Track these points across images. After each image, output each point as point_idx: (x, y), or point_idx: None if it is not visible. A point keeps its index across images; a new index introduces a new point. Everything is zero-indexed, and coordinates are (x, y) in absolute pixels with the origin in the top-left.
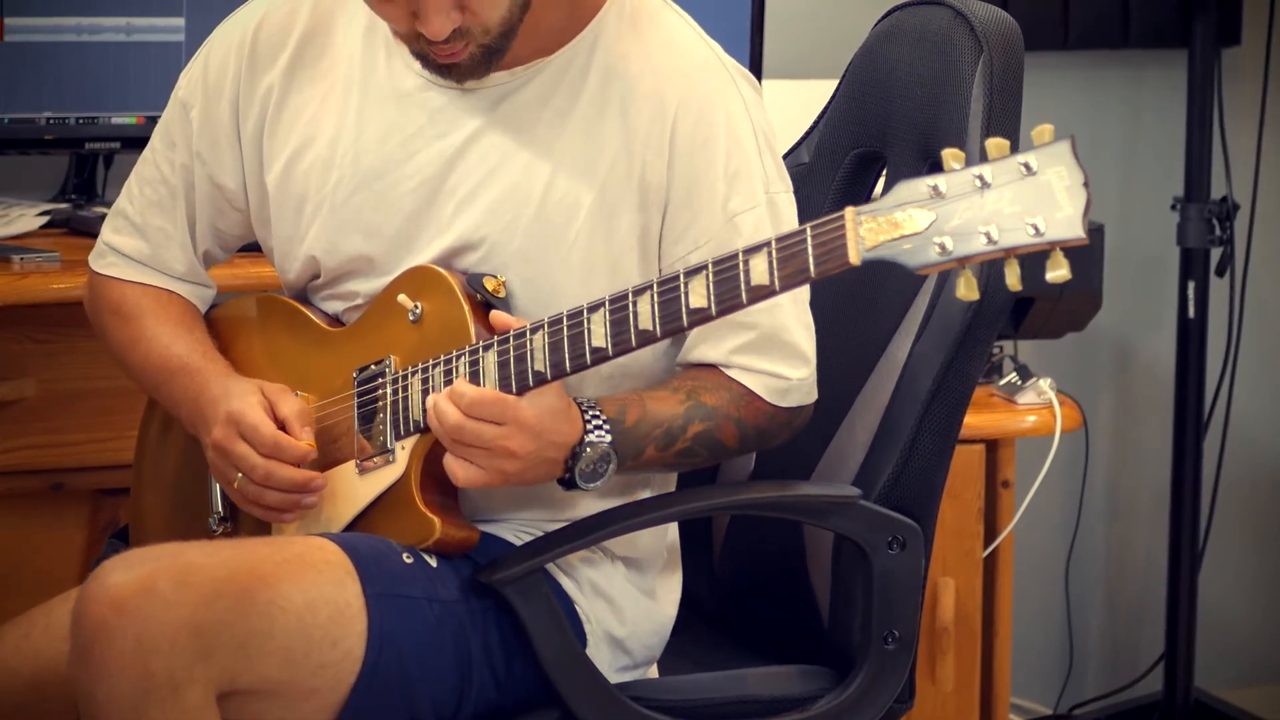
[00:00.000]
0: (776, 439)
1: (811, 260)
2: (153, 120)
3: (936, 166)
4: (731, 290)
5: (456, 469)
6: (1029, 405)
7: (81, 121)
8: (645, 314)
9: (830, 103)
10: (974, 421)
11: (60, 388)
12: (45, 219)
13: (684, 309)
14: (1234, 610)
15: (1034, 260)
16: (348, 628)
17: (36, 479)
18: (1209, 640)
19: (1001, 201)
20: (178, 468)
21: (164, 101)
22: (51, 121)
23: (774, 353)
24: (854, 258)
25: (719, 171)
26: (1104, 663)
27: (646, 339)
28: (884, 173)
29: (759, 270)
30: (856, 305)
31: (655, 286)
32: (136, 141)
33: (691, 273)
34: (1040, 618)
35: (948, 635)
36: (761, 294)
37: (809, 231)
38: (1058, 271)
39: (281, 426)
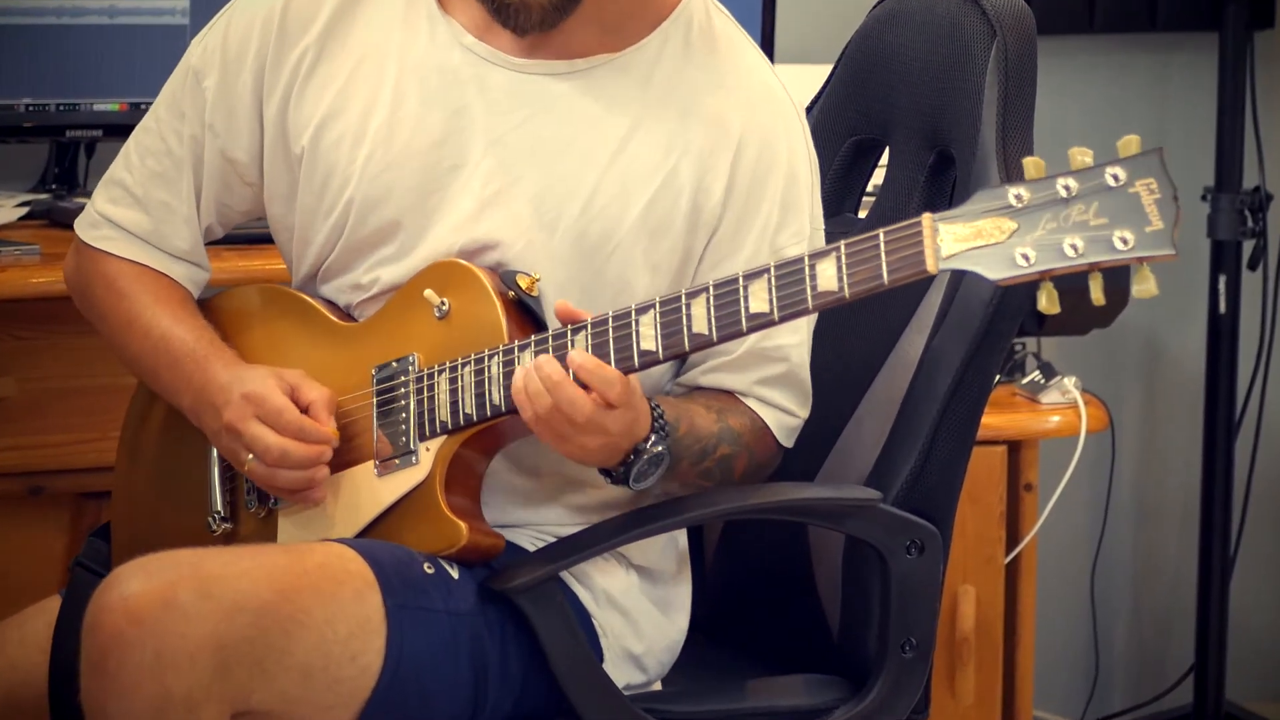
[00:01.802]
0: (758, 478)
1: (885, 267)
2: (136, 106)
3: (944, 155)
4: (796, 295)
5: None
6: (1053, 405)
7: (62, 108)
8: (700, 317)
9: (824, 89)
10: (996, 422)
11: (41, 386)
12: (24, 210)
13: (744, 313)
14: (1267, 619)
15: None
16: (367, 643)
17: (16, 482)
18: (1240, 651)
19: (1087, 213)
20: (171, 463)
21: (150, 87)
22: (31, 108)
23: (791, 389)
24: (932, 266)
25: (774, 204)
26: (1131, 674)
27: (701, 343)
28: (884, 161)
29: (826, 275)
30: (863, 300)
31: (711, 288)
32: (120, 129)
33: (751, 276)
34: (1064, 627)
35: (968, 645)
36: (830, 300)
37: (881, 236)
38: (1144, 285)
39: (305, 413)
